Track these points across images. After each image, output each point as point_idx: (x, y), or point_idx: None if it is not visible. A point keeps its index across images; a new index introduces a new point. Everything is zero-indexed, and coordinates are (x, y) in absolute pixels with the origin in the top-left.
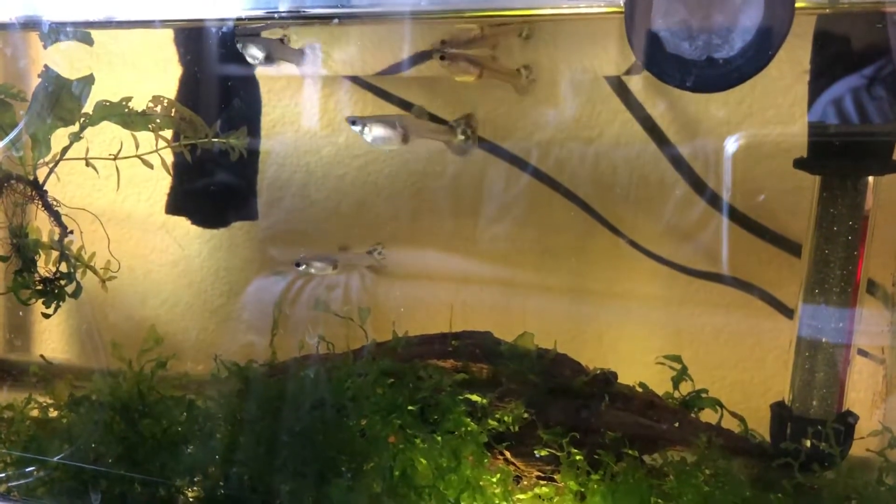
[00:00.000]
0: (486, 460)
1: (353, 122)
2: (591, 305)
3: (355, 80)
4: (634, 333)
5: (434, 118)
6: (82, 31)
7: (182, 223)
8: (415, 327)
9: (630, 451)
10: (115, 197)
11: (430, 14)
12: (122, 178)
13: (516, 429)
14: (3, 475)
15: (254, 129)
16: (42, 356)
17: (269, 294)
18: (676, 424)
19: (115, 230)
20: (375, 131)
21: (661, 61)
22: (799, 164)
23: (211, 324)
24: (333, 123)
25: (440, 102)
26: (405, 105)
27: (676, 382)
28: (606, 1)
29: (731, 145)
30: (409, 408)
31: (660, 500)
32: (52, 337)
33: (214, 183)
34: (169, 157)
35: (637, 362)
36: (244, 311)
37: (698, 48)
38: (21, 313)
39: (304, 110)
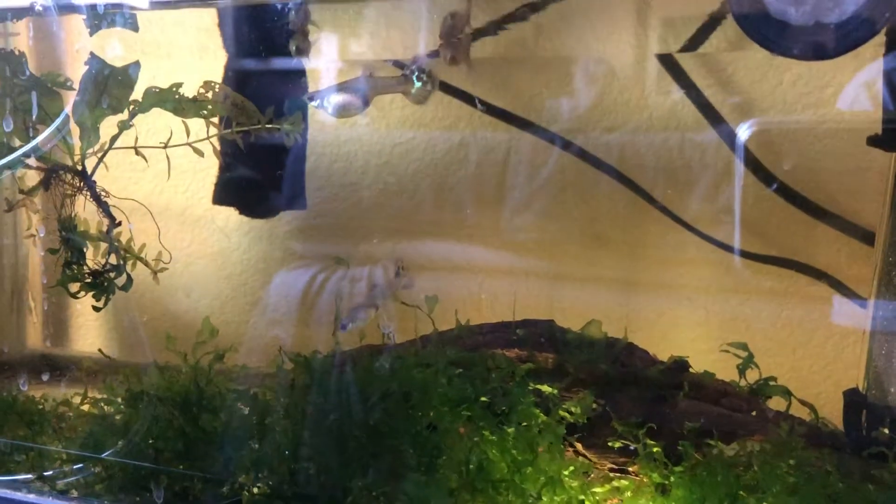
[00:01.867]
0: (562, 453)
1: (311, 99)
2: (643, 294)
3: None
4: (689, 322)
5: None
6: (128, 16)
7: (220, 215)
8: (448, 319)
9: (712, 442)
10: (153, 189)
11: None
12: (159, 169)
13: (585, 420)
14: (60, 471)
15: (302, 119)
16: (100, 350)
17: (292, 288)
18: (753, 413)
19: (152, 222)
20: (334, 101)
21: (763, 28)
22: (873, 141)
23: (251, 315)
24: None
25: (489, 86)
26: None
27: (743, 370)
28: None
29: (789, 125)
30: (481, 399)
31: (745, 493)
32: (90, 332)
33: (264, 172)
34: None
35: (691, 351)
36: (268, 306)
37: (806, 13)
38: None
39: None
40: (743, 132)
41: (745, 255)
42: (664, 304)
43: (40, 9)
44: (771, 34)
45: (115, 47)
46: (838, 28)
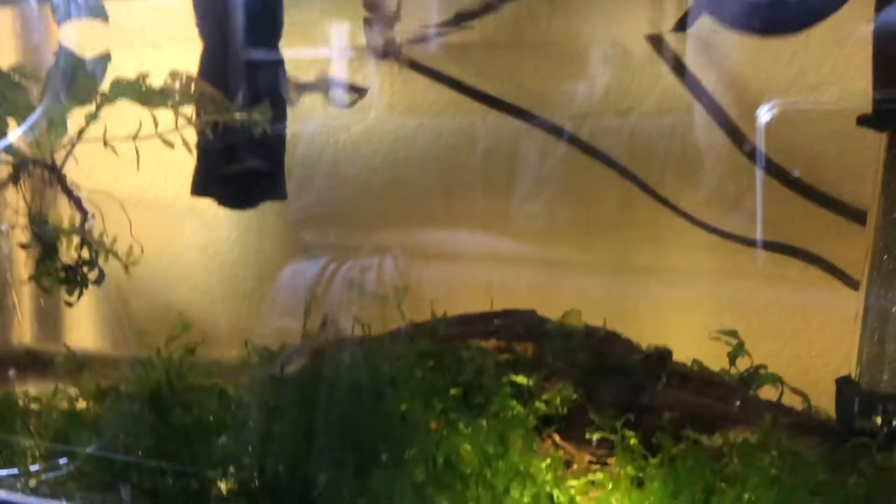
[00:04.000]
0: (535, 445)
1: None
2: (636, 280)
3: (385, 51)
4: (683, 308)
5: None
6: (95, 5)
7: (211, 207)
8: (452, 309)
9: (690, 434)
10: (142, 181)
11: None
12: (149, 161)
13: (564, 411)
14: (32, 469)
15: (279, 107)
16: (66, 346)
17: (302, 278)
18: (738, 403)
19: (142, 215)
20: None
21: (725, 4)
22: (864, 121)
23: (243, 308)
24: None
25: (473, 70)
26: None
27: (733, 358)
28: None
29: (783, 106)
30: (452, 391)
31: (724, 485)
32: (82, 326)
33: (240, 162)
34: (193, 137)
35: (685, 338)
36: (278, 296)
37: None
38: (43, 302)
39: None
40: (735, 114)
41: (740, 240)
42: (659, 291)
43: None
44: (732, 11)
45: (96, 38)
46: (799, 3)
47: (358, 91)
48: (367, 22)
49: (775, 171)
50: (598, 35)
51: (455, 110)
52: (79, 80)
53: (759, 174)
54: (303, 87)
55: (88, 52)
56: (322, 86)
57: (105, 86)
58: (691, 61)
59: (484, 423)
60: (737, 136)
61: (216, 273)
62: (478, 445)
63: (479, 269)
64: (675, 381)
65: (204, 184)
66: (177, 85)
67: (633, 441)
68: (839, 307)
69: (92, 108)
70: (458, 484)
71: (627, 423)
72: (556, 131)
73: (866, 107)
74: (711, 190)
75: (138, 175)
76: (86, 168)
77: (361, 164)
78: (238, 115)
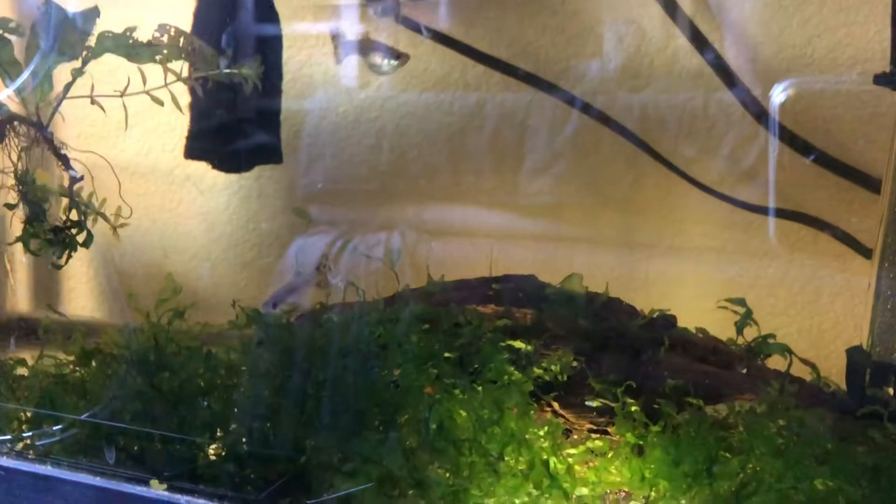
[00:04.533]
0: (532, 412)
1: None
2: (645, 254)
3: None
4: (691, 279)
5: None
6: None
7: (208, 175)
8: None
9: (693, 401)
10: (139, 149)
11: None
12: (145, 128)
13: (564, 378)
14: (21, 434)
15: (275, 68)
16: (51, 308)
17: (309, 255)
18: (744, 370)
19: (139, 183)
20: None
21: None
22: (880, 79)
23: (242, 278)
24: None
25: (480, 32)
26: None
27: (740, 327)
28: None
29: (797, 72)
30: (447, 356)
31: (727, 454)
32: (80, 295)
33: (234, 124)
34: (186, 98)
35: (693, 310)
36: (284, 272)
37: None
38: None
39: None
40: (748, 79)
41: (751, 208)
42: (667, 262)
43: None
44: None
45: None
46: None
47: (398, 57)
48: None
49: (788, 139)
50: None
51: (463, 81)
52: (66, 34)
53: (773, 141)
54: (348, 46)
55: (76, 8)
56: (366, 49)
57: (93, 41)
58: (704, 25)
59: (480, 388)
60: (749, 102)
61: (215, 243)
62: (473, 411)
63: (487, 245)
64: (678, 348)
65: (197, 147)
66: (165, 39)
67: (633, 408)
68: (851, 277)
69: (78, 63)
70: (451, 449)
71: (629, 391)
72: (567, 100)
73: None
74: (723, 158)
75: (135, 143)
76: (80, 135)
77: (369, 137)
78: (228, 71)
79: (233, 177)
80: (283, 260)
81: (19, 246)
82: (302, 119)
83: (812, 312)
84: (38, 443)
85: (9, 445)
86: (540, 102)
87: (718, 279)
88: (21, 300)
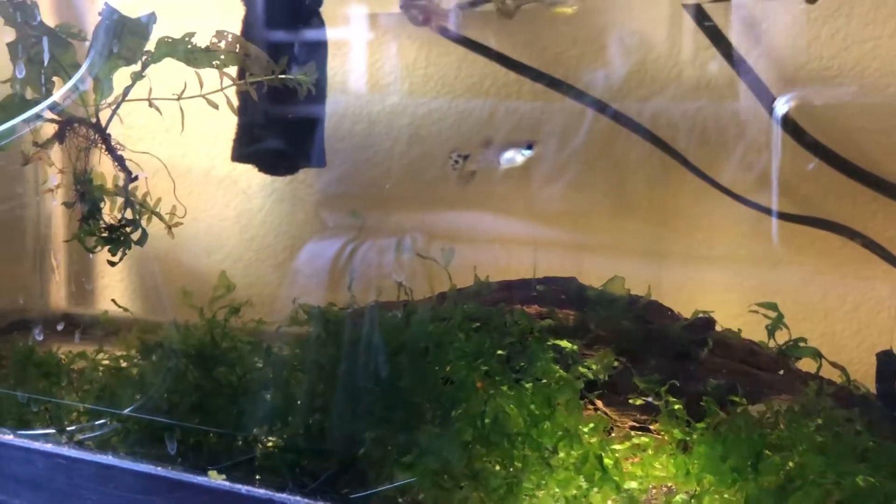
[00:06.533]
0: (580, 408)
1: None
2: (673, 258)
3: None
4: (719, 287)
5: None
6: None
7: (244, 176)
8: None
9: (736, 399)
10: (176, 150)
11: None
12: (185, 130)
13: (606, 377)
14: (77, 426)
15: (320, 73)
16: (113, 301)
17: (321, 258)
18: (781, 372)
19: (176, 184)
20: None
21: None
22: None
23: (275, 279)
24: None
25: (513, 41)
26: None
27: (772, 331)
28: None
29: (824, 83)
30: (497, 353)
31: (770, 452)
32: (114, 292)
33: (282, 129)
34: (235, 103)
35: (720, 316)
36: (297, 276)
37: None
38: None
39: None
40: (775, 89)
41: (780, 216)
42: (694, 269)
43: None
44: None
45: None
46: None
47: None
48: None
49: (815, 147)
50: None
51: (488, 87)
52: (125, 38)
53: (800, 150)
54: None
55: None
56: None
57: (151, 46)
58: (734, 34)
59: (529, 385)
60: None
61: (248, 243)
62: (524, 406)
63: (504, 252)
64: (718, 350)
65: (244, 150)
66: (222, 45)
67: (677, 406)
68: (877, 285)
69: (138, 67)
70: (505, 443)
71: (672, 390)
72: (591, 104)
73: None
74: (751, 165)
75: (174, 144)
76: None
77: (388, 141)
78: (283, 77)
79: (267, 179)
80: (294, 264)
81: (60, 242)
82: (335, 123)
83: (837, 318)
84: (95, 433)
85: (69, 436)
86: (566, 108)
87: (744, 286)
88: (60, 297)
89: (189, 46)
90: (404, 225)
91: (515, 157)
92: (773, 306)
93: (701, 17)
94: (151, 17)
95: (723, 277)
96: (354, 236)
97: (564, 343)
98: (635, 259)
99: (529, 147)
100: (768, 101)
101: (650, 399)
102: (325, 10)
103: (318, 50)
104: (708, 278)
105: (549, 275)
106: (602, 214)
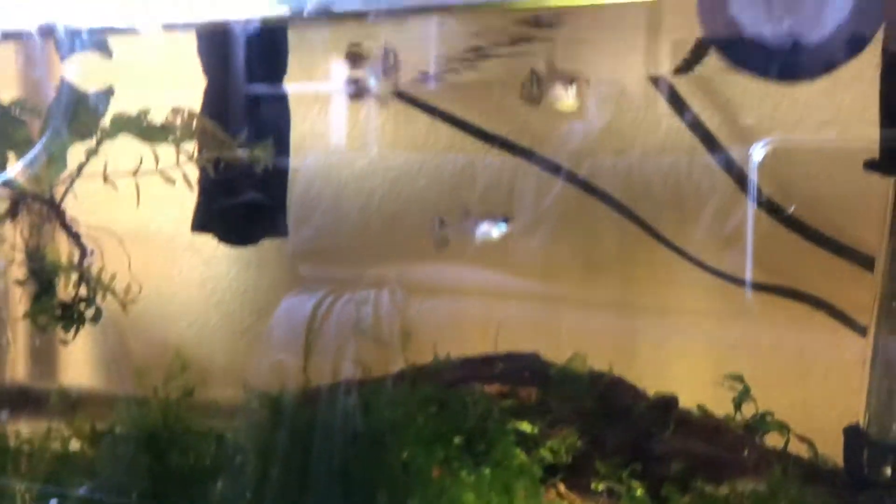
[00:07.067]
0: (540, 495)
1: None
2: (638, 321)
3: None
4: (684, 350)
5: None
6: (99, 40)
7: (210, 242)
8: (450, 347)
9: (699, 483)
10: (141, 216)
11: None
12: (148, 196)
13: (569, 460)
14: None
15: (283, 143)
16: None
17: (298, 313)
18: (745, 452)
19: (140, 250)
20: None
21: (739, 47)
22: (870, 165)
23: (241, 345)
24: (363, 137)
25: (476, 112)
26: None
27: (738, 404)
28: None
29: (786, 146)
30: (455, 438)
31: None
32: (76, 365)
33: (242, 198)
34: (195, 173)
35: (687, 380)
36: (274, 331)
37: (782, 33)
38: (37, 341)
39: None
40: (739, 156)
41: (745, 284)
42: (660, 332)
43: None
44: (747, 56)
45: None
46: (818, 48)
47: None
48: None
49: (779, 215)
50: (600, 75)
51: (455, 148)
52: (80, 114)
53: (764, 217)
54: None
55: (92, 88)
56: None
57: (107, 121)
58: (694, 103)
59: (487, 471)
60: (741, 179)
61: (214, 309)
62: (482, 495)
63: (478, 306)
64: (681, 430)
65: (204, 220)
66: (178, 121)
67: (639, 492)
68: (845, 353)
69: (93, 143)
70: None
71: (634, 473)
72: (555, 169)
73: (872, 150)
74: (714, 233)
75: (137, 210)
76: (84, 203)
77: (362, 199)
78: (240, 153)
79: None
80: (271, 319)
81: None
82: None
83: (804, 386)
84: None
85: None
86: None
87: (711, 349)
88: (19, 369)
89: (144, 123)
90: (384, 278)
91: (491, 231)
92: (739, 378)
93: (663, 88)
94: (108, 93)
95: (691, 341)
96: (332, 289)
97: (525, 425)
98: (606, 313)
99: (505, 221)
100: (731, 171)
101: (613, 483)
102: (291, 75)
103: (282, 120)
104: (676, 341)
105: (522, 331)
106: (574, 267)
